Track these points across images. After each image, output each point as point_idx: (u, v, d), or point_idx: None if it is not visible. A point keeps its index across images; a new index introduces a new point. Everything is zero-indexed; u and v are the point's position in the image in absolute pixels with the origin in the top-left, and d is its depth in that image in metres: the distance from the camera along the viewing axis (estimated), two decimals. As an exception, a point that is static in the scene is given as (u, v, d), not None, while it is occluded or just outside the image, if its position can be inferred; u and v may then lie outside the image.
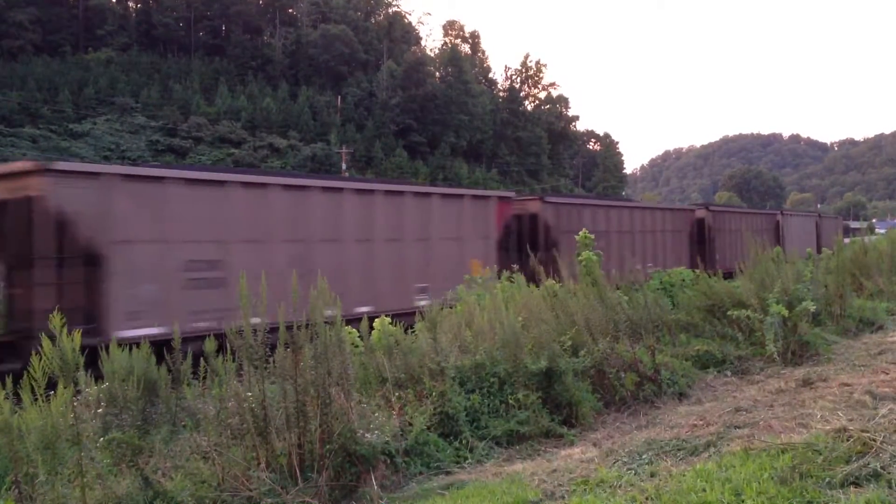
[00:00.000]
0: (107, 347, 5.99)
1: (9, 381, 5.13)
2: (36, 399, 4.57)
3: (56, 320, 4.40)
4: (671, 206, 33.63)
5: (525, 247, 18.35)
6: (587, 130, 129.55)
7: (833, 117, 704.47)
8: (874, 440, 4.71)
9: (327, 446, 5.30)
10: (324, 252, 14.09)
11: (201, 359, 5.64)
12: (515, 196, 21.19)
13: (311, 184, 14.68)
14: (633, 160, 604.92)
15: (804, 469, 4.45)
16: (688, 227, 28.33)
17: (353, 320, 7.05)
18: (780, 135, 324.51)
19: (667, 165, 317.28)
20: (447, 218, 17.22)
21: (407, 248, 16.07)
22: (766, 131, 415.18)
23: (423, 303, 13.72)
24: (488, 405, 6.79)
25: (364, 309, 12.18)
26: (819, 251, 29.10)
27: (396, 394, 6.47)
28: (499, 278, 10.60)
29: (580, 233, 11.06)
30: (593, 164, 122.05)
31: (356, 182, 16.40)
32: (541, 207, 20.18)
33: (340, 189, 15.10)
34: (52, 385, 4.59)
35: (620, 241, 23.43)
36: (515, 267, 11.74)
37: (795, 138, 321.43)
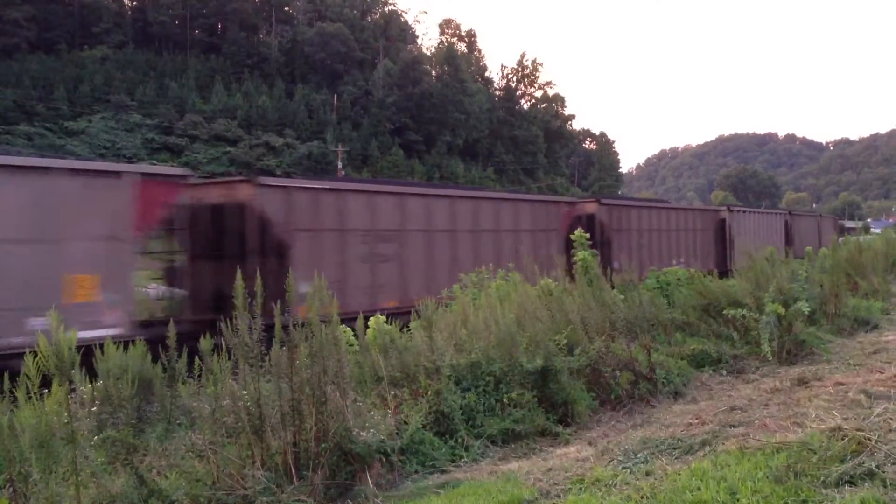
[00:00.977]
0: None
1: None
2: (30, 397, 4.56)
3: (53, 318, 4.39)
4: (535, 197, 24.63)
5: (226, 251, 13.10)
6: (583, 129, 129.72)
7: (828, 117, 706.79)
8: (869, 439, 4.72)
9: (323, 445, 5.29)
10: None
11: (196, 357, 5.63)
12: (194, 176, 14.44)
13: None
14: (630, 159, 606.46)
15: (799, 468, 4.46)
16: (564, 226, 21.14)
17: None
18: (776, 134, 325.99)
19: (663, 164, 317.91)
20: (8, 207, 10.35)
21: None
22: (761, 131, 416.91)
23: None
24: (484, 404, 6.79)
25: None
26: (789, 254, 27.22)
27: (392, 392, 6.46)
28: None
29: (576, 232, 10.97)
30: (589, 163, 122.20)
31: None
32: (254, 194, 13.11)
33: None
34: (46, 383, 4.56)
35: (434, 246, 16.64)
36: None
37: (791, 138, 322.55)
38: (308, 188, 14.41)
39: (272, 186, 13.74)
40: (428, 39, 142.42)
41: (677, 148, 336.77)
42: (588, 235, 11.12)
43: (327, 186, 15.01)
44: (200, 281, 12.51)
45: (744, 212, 33.75)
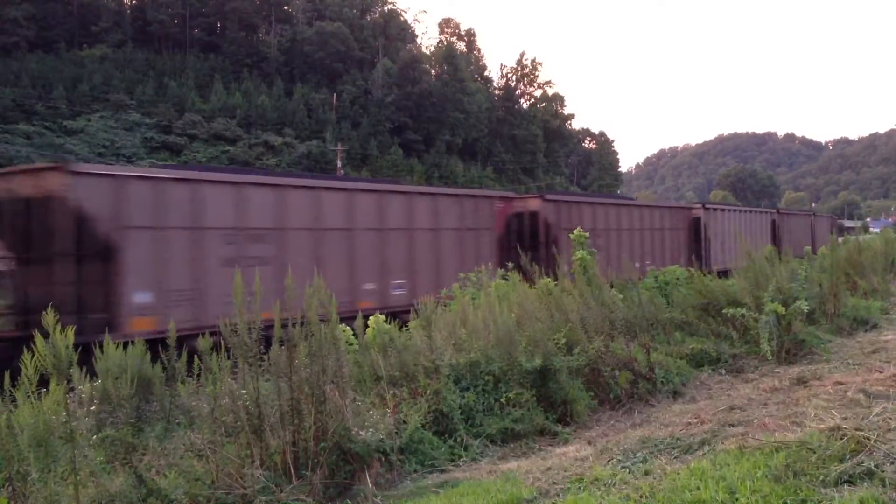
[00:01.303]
0: None
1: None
2: (28, 396, 4.55)
3: (49, 317, 4.38)
4: (462, 191, 20.41)
5: (33, 254, 11.13)
6: (582, 129, 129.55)
7: (828, 116, 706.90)
8: (868, 439, 4.72)
9: (322, 444, 5.29)
10: None
11: (195, 356, 5.62)
12: None
13: None
14: (629, 159, 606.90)
15: (798, 467, 4.46)
16: (499, 224, 18.68)
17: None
18: (775, 134, 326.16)
19: (662, 164, 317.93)
20: None
21: None
22: (760, 130, 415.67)
23: None
24: (483, 403, 6.79)
25: None
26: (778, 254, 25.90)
27: (391, 392, 6.46)
28: None
29: (575, 231, 10.97)
30: (589, 162, 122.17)
31: None
32: (66, 184, 10.95)
33: None
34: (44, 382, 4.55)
35: (325, 247, 14.38)
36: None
37: (790, 137, 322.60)
38: (146, 178, 12.16)
39: (94, 175, 11.50)
40: (427, 39, 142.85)
41: (677, 147, 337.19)
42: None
43: (176, 176, 12.68)
44: (16, 289, 11.06)
45: (723, 210, 31.18)
